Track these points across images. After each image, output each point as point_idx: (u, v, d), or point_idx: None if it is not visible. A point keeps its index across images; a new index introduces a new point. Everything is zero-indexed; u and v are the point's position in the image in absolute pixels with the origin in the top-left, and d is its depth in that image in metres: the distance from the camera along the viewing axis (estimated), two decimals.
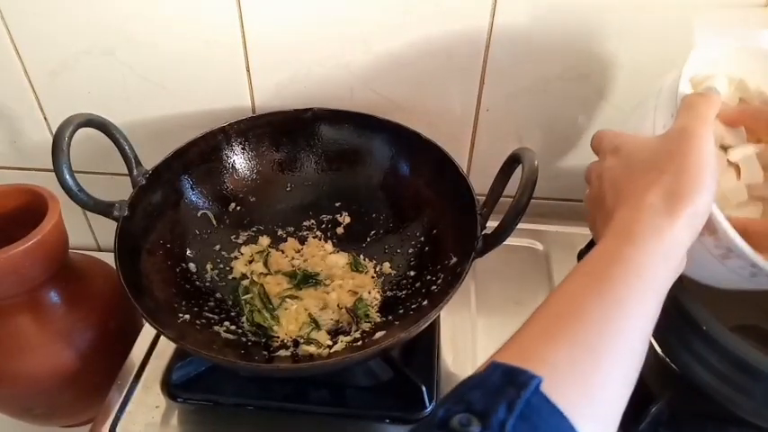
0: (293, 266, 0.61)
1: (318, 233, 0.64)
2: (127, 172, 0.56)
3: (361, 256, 0.62)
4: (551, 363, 0.28)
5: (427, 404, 0.51)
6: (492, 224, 0.49)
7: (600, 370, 0.29)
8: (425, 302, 0.53)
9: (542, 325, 0.32)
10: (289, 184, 0.65)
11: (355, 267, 0.61)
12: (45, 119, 0.69)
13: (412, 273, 0.59)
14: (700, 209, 0.34)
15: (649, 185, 0.35)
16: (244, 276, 0.60)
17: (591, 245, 0.46)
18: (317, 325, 0.55)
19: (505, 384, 0.27)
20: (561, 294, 0.33)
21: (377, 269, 0.61)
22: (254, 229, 0.64)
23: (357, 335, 0.54)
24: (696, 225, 0.35)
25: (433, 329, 0.58)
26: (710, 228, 0.37)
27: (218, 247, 0.61)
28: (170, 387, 0.53)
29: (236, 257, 0.62)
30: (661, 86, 0.44)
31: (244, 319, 0.56)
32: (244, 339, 0.53)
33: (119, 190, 0.59)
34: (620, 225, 0.35)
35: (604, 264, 0.33)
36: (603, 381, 0.29)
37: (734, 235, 0.37)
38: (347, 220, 0.65)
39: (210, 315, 0.55)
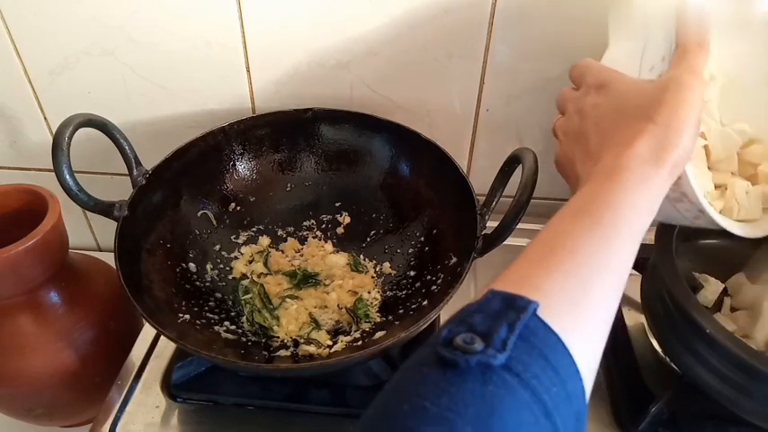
0: (293, 266, 0.61)
1: (318, 233, 0.64)
2: (127, 172, 0.56)
3: (361, 256, 0.62)
4: (545, 290, 0.30)
5: None
6: (492, 224, 0.49)
7: (588, 298, 0.31)
8: (425, 302, 0.53)
9: (537, 257, 0.34)
10: (289, 185, 0.65)
11: (355, 267, 0.61)
12: (45, 119, 0.69)
13: (412, 273, 0.59)
14: (682, 160, 0.36)
15: (639, 133, 0.36)
16: (244, 276, 0.60)
17: None
18: (317, 325, 0.55)
19: (505, 308, 0.29)
20: (554, 230, 0.35)
21: (377, 269, 0.61)
22: (254, 229, 0.64)
23: (357, 335, 0.54)
24: (676, 174, 0.37)
25: (433, 329, 0.58)
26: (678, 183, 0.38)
27: (218, 247, 0.61)
28: (170, 387, 0.53)
29: (236, 257, 0.62)
30: (648, 27, 0.43)
31: (244, 319, 0.56)
32: (244, 339, 0.53)
33: (119, 190, 0.59)
34: (608, 170, 0.36)
35: (596, 206, 0.34)
36: (592, 307, 0.32)
37: (695, 186, 0.39)
38: (347, 220, 0.65)
39: (210, 315, 0.55)
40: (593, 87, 0.41)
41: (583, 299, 0.31)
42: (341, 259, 0.62)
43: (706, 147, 0.46)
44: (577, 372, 0.29)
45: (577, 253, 0.32)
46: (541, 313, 0.29)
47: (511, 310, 0.28)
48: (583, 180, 0.38)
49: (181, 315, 0.52)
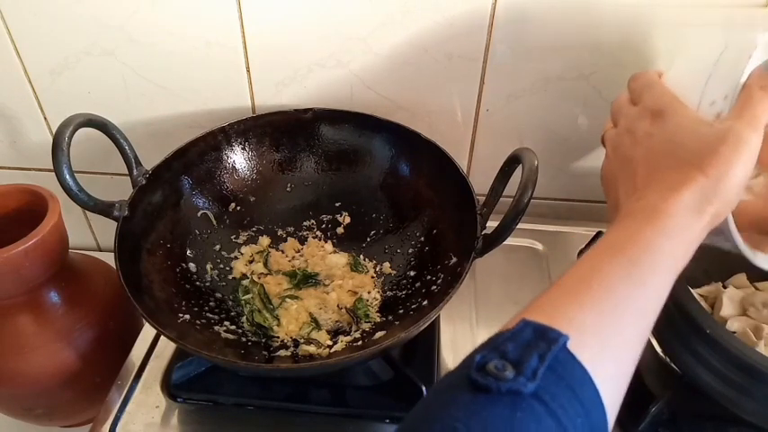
0: (293, 266, 0.61)
1: (318, 233, 0.64)
2: (127, 172, 0.56)
3: (361, 256, 0.62)
4: (578, 325, 0.31)
5: None
6: (492, 224, 0.49)
7: (619, 338, 0.32)
8: (425, 302, 0.53)
9: (572, 290, 0.34)
10: (289, 185, 0.65)
11: (355, 267, 0.61)
12: (45, 119, 0.69)
13: (412, 273, 0.59)
14: (725, 212, 0.37)
15: (687, 181, 0.36)
16: (244, 276, 0.60)
17: (591, 244, 0.46)
18: (317, 325, 0.55)
19: (536, 339, 0.29)
20: (590, 265, 0.35)
21: (377, 269, 0.61)
22: (254, 229, 0.64)
23: (357, 335, 0.54)
24: (716, 223, 0.37)
25: (433, 329, 0.58)
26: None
27: (218, 247, 0.61)
28: (170, 387, 0.53)
29: (236, 257, 0.62)
30: (720, 55, 0.41)
31: (244, 319, 0.56)
32: (244, 339, 0.53)
33: (119, 190, 0.59)
34: (650, 212, 0.36)
35: (636, 249, 0.35)
36: (622, 346, 0.32)
37: (733, 230, 0.38)
38: (347, 220, 0.65)
39: (210, 315, 0.55)
40: (649, 112, 0.40)
41: (614, 338, 0.32)
42: (341, 259, 0.62)
43: None
44: (602, 405, 0.29)
45: (613, 293, 0.33)
46: (572, 347, 0.29)
47: (542, 341, 0.29)
48: (623, 212, 0.38)
49: (181, 315, 0.52)
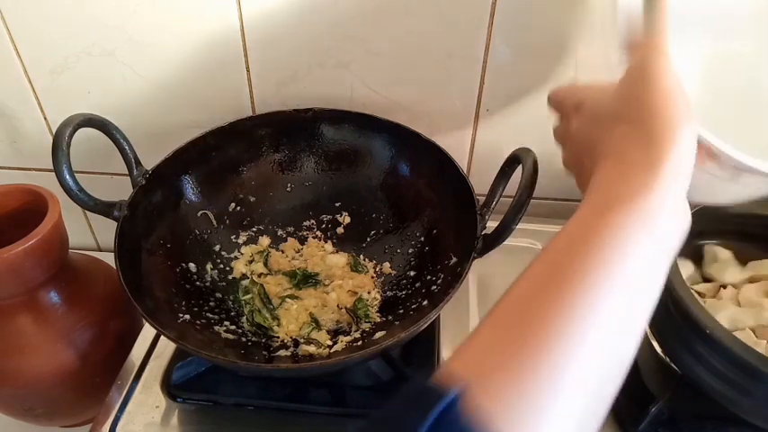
0: (293, 266, 0.61)
1: (318, 233, 0.64)
2: (127, 172, 0.56)
3: (361, 256, 0.62)
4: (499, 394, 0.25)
5: None
6: (492, 224, 0.49)
7: (557, 395, 0.25)
8: (425, 302, 0.53)
9: (502, 338, 0.27)
10: (289, 185, 0.65)
11: (355, 267, 0.61)
12: (45, 119, 0.69)
13: (412, 273, 0.59)
14: (684, 147, 0.30)
15: (622, 139, 0.32)
16: (244, 276, 0.60)
17: None
18: (317, 325, 0.55)
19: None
20: (522, 295, 0.30)
21: (377, 269, 0.61)
22: (254, 229, 0.64)
23: (357, 335, 0.54)
24: (683, 178, 0.30)
25: (433, 329, 0.58)
26: (710, 153, 0.35)
27: (218, 247, 0.61)
28: (170, 387, 0.53)
29: (236, 257, 0.62)
30: (608, 16, 0.39)
31: (244, 319, 0.56)
32: (244, 339, 0.53)
33: (119, 190, 0.59)
34: (595, 203, 0.31)
35: (578, 261, 0.27)
36: (563, 402, 0.25)
37: (740, 156, 0.34)
38: (347, 220, 0.65)
39: (210, 315, 0.55)
40: (572, 111, 0.39)
41: (549, 398, 0.24)
42: (341, 259, 0.62)
43: None
44: None
45: (545, 337, 0.25)
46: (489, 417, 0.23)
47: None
48: (574, 219, 0.32)
49: (181, 315, 0.52)
